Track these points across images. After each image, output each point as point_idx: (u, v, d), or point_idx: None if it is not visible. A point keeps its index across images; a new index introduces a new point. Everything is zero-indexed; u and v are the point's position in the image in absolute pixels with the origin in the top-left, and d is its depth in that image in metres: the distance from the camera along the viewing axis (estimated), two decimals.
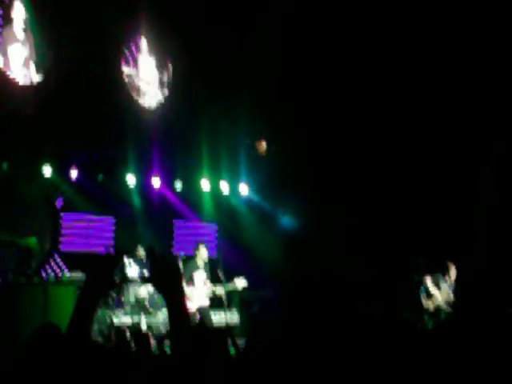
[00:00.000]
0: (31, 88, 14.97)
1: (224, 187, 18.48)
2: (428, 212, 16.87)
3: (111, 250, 17.35)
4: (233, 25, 16.59)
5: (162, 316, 14.61)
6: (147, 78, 17.17)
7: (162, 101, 17.36)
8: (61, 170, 16.00)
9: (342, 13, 16.34)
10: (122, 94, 16.56)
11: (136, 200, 17.60)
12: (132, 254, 15.16)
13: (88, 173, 16.44)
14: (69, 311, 10.72)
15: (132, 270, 14.85)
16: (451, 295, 14.19)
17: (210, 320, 13.58)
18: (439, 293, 14.12)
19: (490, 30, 15.49)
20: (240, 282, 13.73)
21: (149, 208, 17.85)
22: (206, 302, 13.48)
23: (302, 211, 18.46)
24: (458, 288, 14.32)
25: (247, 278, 13.87)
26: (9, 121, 14.43)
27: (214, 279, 13.72)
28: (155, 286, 3.08)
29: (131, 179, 16.74)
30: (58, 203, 17.02)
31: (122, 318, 14.42)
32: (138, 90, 16.98)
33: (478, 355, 3.92)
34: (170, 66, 17.43)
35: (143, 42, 17.04)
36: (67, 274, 14.78)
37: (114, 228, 17.76)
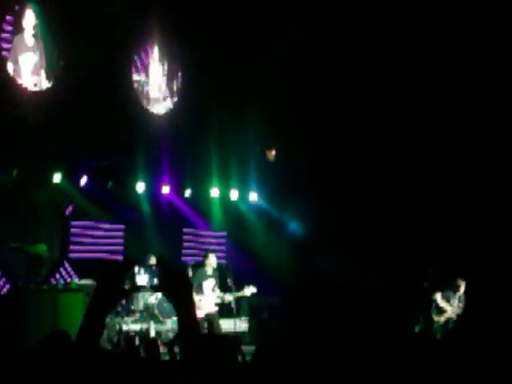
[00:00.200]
0: (41, 95, 15.02)
1: (233, 195, 18.47)
2: (437, 220, 16.82)
3: (121, 258, 17.38)
4: (243, 33, 16.62)
5: (170, 323, 14.62)
6: (157, 86, 17.20)
7: (172, 108, 17.38)
8: (70, 177, 16.01)
9: (352, 22, 16.36)
10: (131, 101, 16.60)
11: (145, 207, 17.59)
12: (143, 263, 15.17)
13: (98, 180, 16.44)
14: (78, 318, 10.79)
15: (142, 278, 14.86)
16: (461, 309, 14.19)
17: (219, 327, 13.57)
18: (450, 307, 14.11)
19: (490, 30, 15.47)
20: (249, 290, 13.72)
21: (158, 215, 17.84)
22: (215, 310, 13.47)
23: (311, 218, 18.44)
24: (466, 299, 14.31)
25: (256, 285, 13.86)
26: (19, 128, 14.48)
27: (223, 287, 13.72)
28: (165, 294, 3.07)
29: (141, 187, 16.74)
30: (68, 210, 17.04)
31: (131, 325, 14.44)
32: (147, 97, 17.01)
33: (485, 361, 3.91)
34: (179, 73, 17.46)
35: (153, 50, 17.08)
36: (76, 281, 14.80)
37: (123, 235, 17.75)
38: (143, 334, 14.17)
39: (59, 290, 13.66)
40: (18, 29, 14.86)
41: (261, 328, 15.77)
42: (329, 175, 17.69)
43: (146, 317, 14.65)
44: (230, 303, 14.04)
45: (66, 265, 16.82)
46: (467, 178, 16.63)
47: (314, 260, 18.11)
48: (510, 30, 15.24)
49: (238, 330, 14.92)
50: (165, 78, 17.34)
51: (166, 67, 17.33)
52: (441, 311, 14.16)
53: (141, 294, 14.91)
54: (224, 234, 19.64)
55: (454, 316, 14.10)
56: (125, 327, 14.29)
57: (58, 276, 16.33)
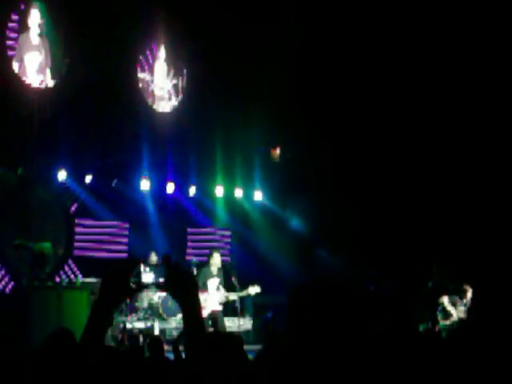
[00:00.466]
0: (46, 93, 15.03)
1: (238, 193, 18.47)
2: (441, 219, 16.81)
3: (126, 256, 17.39)
4: (249, 32, 16.60)
5: (175, 321, 14.63)
6: (162, 84, 17.21)
7: (177, 107, 17.39)
8: (75, 175, 16.03)
9: (358, 20, 16.35)
10: (137, 100, 16.60)
11: (150, 206, 17.61)
12: (146, 261, 15.20)
13: (102, 178, 16.47)
14: (82, 316, 10.81)
15: (147, 276, 14.88)
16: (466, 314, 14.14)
17: (223, 325, 13.57)
18: (456, 311, 14.07)
19: (490, 30, 15.45)
20: (253, 289, 13.71)
21: (163, 214, 17.85)
22: (219, 308, 13.46)
23: (315, 217, 18.43)
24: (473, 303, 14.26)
25: (261, 284, 13.85)
26: (24, 126, 14.50)
27: (227, 286, 13.71)
28: (171, 293, 3.07)
29: (145, 185, 16.75)
30: (73, 208, 17.06)
31: (135, 324, 14.45)
32: (153, 95, 17.02)
33: (490, 361, 3.89)
34: (185, 72, 17.46)
35: (159, 49, 17.08)
36: (81, 278, 14.81)
37: (128, 233, 17.77)
38: (147, 332, 14.17)
39: (63, 287, 13.66)
40: (23, 27, 14.88)
41: (265, 327, 15.80)
42: (333, 174, 17.67)
43: (150, 315, 14.67)
44: (234, 302, 14.04)
45: (71, 262, 16.84)
46: (470, 174, 16.60)
47: (317, 259, 18.12)
48: (510, 30, 15.21)
49: (242, 329, 14.91)
50: (170, 77, 17.35)
51: (171, 66, 17.33)
52: (447, 315, 14.11)
53: (145, 293, 14.92)
54: (228, 232, 19.64)
55: (458, 320, 14.04)
56: (129, 325, 14.30)
57: (62, 274, 16.33)
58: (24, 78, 14.83)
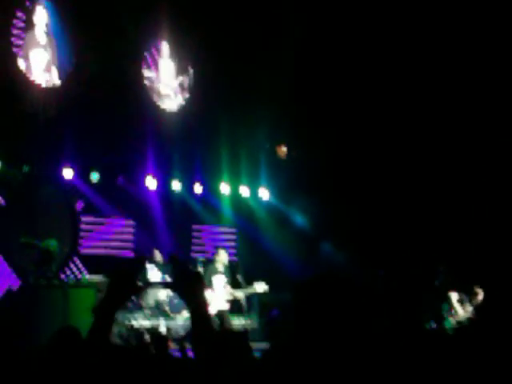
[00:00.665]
0: (52, 91, 15.04)
1: (244, 191, 18.47)
2: (448, 218, 16.78)
3: (131, 253, 17.41)
4: (254, 29, 16.59)
5: (181, 319, 14.62)
6: (168, 82, 17.22)
7: (183, 105, 17.39)
8: (81, 173, 16.05)
9: (362, 18, 16.32)
10: (142, 97, 16.62)
11: (156, 203, 17.62)
12: (151, 259, 15.21)
13: (108, 176, 16.48)
14: (88, 314, 10.78)
15: (153, 274, 14.89)
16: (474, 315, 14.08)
17: (230, 323, 13.57)
18: (463, 311, 14.01)
19: (490, 30, 15.42)
20: (260, 287, 13.70)
21: (168, 211, 17.86)
22: (226, 306, 13.46)
23: (321, 215, 18.42)
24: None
25: (267, 281, 13.85)
26: (30, 124, 14.51)
27: (233, 283, 13.71)
28: (178, 292, 3.06)
29: (151, 183, 16.76)
30: (78, 206, 17.07)
31: (142, 322, 14.45)
32: (158, 93, 17.03)
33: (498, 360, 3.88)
34: (190, 69, 17.46)
35: (164, 46, 17.09)
36: (87, 276, 14.82)
37: (133, 231, 17.78)
38: (153, 331, 14.17)
39: (70, 285, 13.67)
40: (29, 25, 14.89)
41: (271, 325, 15.80)
42: (339, 172, 17.66)
43: (157, 313, 14.67)
44: (240, 300, 14.04)
45: (77, 260, 16.85)
46: (476, 170, 16.58)
47: (324, 257, 18.11)
48: (510, 30, 15.18)
49: (248, 326, 14.91)
50: (175, 75, 17.35)
51: (176, 63, 17.33)
52: (452, 312, 14.06)
53: (151, 291, 14.93)
54: (234, 230, 19.63)
55: (464, 320, 13.97)
56: (135, 323, 14.30)
57: (68, 272, 16.36)
58: (30, 76, 14.84)
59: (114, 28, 15.28)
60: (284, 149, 18.86)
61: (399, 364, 3.55)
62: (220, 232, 19.50)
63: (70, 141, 15.10)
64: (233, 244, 19.30)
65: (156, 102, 16.95)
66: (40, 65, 14.98)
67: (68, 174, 15.65)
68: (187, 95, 17.44)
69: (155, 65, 17.00)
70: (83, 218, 17.15)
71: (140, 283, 2.96)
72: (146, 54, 16.82)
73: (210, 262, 14.06)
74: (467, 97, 16.30)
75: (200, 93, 17.39)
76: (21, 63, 14.73)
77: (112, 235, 17.54)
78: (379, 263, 17.10)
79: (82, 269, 16.68)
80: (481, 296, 14.21)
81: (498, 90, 15.96)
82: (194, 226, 19.05)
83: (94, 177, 16.17)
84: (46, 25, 15.00)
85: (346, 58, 16.85)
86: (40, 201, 16.29)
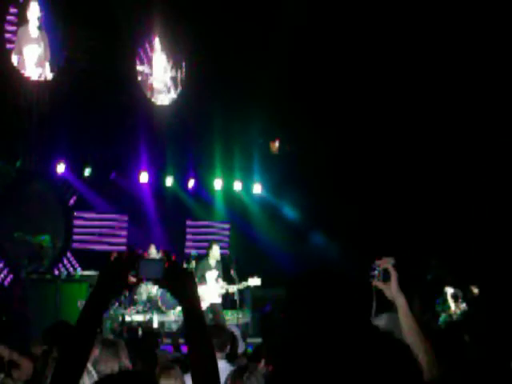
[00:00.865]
0: (45, 86, 15.02)
1: (237, 186, 18.49)
2: (439, 211, 16.82)
3: (125, 249, 17.40)
4: (247, 24, 16.58)
5: (174, 314, 14.63)
6: (161, 77, 17.20)
7: (176, 100, 17.38)
8: (74, 168, 16.04)
9: (357, 13, 16.33)
10: (135, 92, 16.60)
11: (149, 198, 17.62)
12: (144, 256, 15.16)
13: (101, 171, 16.47)
14: (81, 309, 10.75)
15: None
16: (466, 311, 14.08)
17: (223, 318, 13.58)
18: (455, 307, 14.02)
19: (490, 30, 15.45)
20: (253, 281, 13.72)
21: (161, 206, 17.86)
22: (218, 301, 13.47)
23: (314, 210, 18.44)
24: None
25: (260, 276, 13.86)
26: (23, 118, 14.49)
27: (226, 278, 13.72)
28: (169, 289, 3.07)
29: (144, 177, 16.76)
30: (71, 201, 17.06)
31: (134, 316, 14.45)
32: (151, 88, 17.01)
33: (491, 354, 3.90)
34: (183, 64, 17.45)
35: (157, 41, 17.07)
36: (80, 271, 14.82)
37: (126, 226, 17.77)
38: (146, 325, 14.18)
39: (62, 280, 13.69)
40: (22, 20, 14.86)
41: (264, 320, 15.81)
42: (332, 167, 17.67)
43: (149, 308, 14.67)
44: (233, 295, 14.05)
45: (69, 255, 16.84)
46: (468, 169, 16.61)
47: (317, 252, 18.12)
48: (510, 31, 15.20)
49: (241, 322, 14.92)
50: (169, 69, 17.34)
51: (169, 58, 17.32)
52: (445, 307, 14.07)
53: (144, 285, 14.93)
54: (227, 225, 19.65)
55: (454, 316, 13.97)
56: (128, 318, 14.30)
57: (60, 266, 16.35)
58: (23, 71, 14.82)
59: (106, 22, 15.25)
60: (277, 144, 18.87)
61: (394, 360, 3.55)
62: (213, 227, 19.51)
63: (63, 136, 15.08)
64: (226, 239, 19.31)
65: (149, 96, 16.94)
66: (33, 60, 14.95)
67: (61, 168, 15.63)
68: (180, 90, 17.43)
69: (148, 60, 16.99)
70: (76, 213, 17.13)
71: (131, 278, 2.96)
72: (139, 48, 16.79)
73: (202, 256, 14.07)
74: (465, 95, 16.32)
75: (193, 88, 17.39)
76: (14, 58, 14.70)
77: (105, 230, 17.53)
78: (373, 257, 17.10)
79: (75, 264, 16.68)
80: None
81: (497, 90, 15.98)
82: (188, 221, 19.06)
83: (87, 172, 16.15)
84: (39, 20, 14.97)
85: (339, 53, 16.85)
86: (33, 196, 16.28)
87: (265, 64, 16.51)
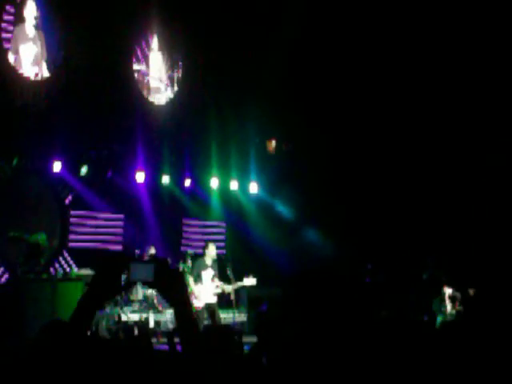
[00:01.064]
0: (42, 84, 15.00)
1: (233, 185, 18.49)
2: (435, 212, 16.84)
3: (121, 247, 17.41)
4: (244, 23, 16.58)
5: (170, 313, 14.63)
6: (157, 76, 17.19)
7: (172, 98, 17.37)
8: (70, 167, 16.02)
9: (353, 13, 16.33)
10: (132, 91, 16.59)
11: (145, 197, 17.61)
12: (141, 254, 15.19)
13: (97, 169, 16.46)
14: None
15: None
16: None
17: (219, 317, 13.58)
18: (452, 308, 14.04)
19: (490, 30, 15.46)
20: (249, 281, 13.73)
21: (158, 205, 17.86)
22: (214, 300, 13.47)
23: (311, 209, 18.45)
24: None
25: (256, 275, 13.87)
26: (19, 117, 14.47)
27: (222, 277, 13.72)
28: (159, 291, 3.09)
29: (140, 176, 16.75)
30: (67, 199, 17.05)
31: (130, 315, 14.45)
32: (148, 87, 17.00)
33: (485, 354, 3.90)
34: (180, 63, 17.45)
35: (154, 40, 17.06)
36: (76, 270, 14.81)
37: (123, 225, 17.77)
38: (142, 324, 14.18)
39: (58, 279, 13.67)
40: (18, 19, 14.83)
41: (259, 319, 15.81)
42: (329, 166, 17.68)
43: (145, 307, 14.66)
44: (229, 294, 14.05)
45: (66, 254, 16.83)
46: (461, 167, 16.63)
47: (313, 252, 18.13)
48: (510, 31, 15.22)
49: (236, 321, 14.93)
50: (165, 68, 17.33)
51: (166, 57, 17.31)
52: (442, 308, 14.09)
53: (140, 285, 14.93)
54: (223, 224, 19.66)
55: (450, 317, 14.00)
56: (124, 317, 14.29)
57: (57, 265, 16.35)
58: (19, 70, 14.79)
59: (103, 21, 15.24)
60: (274, 143, 18.87)
61: (389, 357, 3.57)
62: (209, 226, 19.52)
63: (59, 134, 15.07)
64: (222, 238, 19.32)
65: (146, 95, 16.93)
66: (29, 58, 14.93)
67: (57, 167, 15.61)
68: (177, 89, 17.42)
69: (145, 58, 16.98)
70: (72, 212, 17.12)
71: (124, 281, 2.97)
72: (135, 47, 16.78)
73: (199, 255, 14.06)
74: (462, 94, 16.33)
75: (190, 87, 17.39)
76: (10, 57, 14.68)
77: (101, 229, 17.52)
78: (367, 256, 17.14)
79: (71, 262, 16.67)
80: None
81: (496, 90, 15.99)
82: (184, 220, 19.06)
83: (84, 171, 16.14)
84: (36, 18, 14.94)
85: (335, 55, 16.86)
86: (29, 194, 16.27)
87: (262, 64, 16.52)
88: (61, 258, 16.71)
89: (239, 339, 4.54)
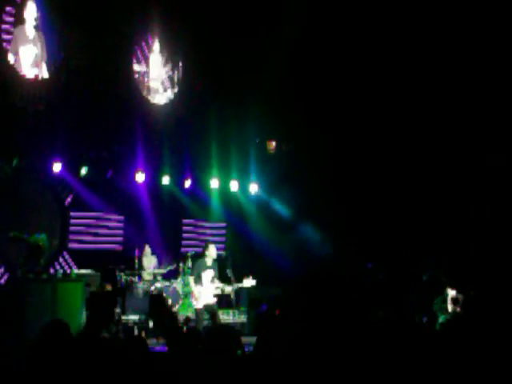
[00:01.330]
0: (42, 85, 15.01)
1: (233, 186, 18.48)
2: (435, 212, 16.83)
3: (121, 248, 17.43)
4: (244, 23, 16.58)
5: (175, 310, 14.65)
6: (157, 76, 17.20)
7: (172, 99, 17.38)
8: (70, 167, 16.02)
9: (354, 15, 16.33)
10: (132, 92, 16.60)
11: (145, 198, 17.61)
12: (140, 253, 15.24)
13: (97, 170, 16.45)
14: (77, 308, 10.80)
15: (148, 260, 15.15)
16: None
17: (218, 317, 13.59)
18: (452, 309, 14.04)
19: (490, 30, 15.46)
20: (248, 282, 13.73)
21: (158, 206, 17.87)
22: (214, 301, 13.47)
23: (311, 210, 18.46)
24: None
25: (256, 276, 13.87)
26: (19, 118, 14.48)
27: (222, 278, 13.73)
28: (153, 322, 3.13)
29: (140, 177, 16.75)
30: (67, 200, 17.06)
31: (130, 316, 14.46)
32: (148, 87, 17.01)
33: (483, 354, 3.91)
34: (180, 64, 17.45)
35: (154, 41, 17.07)
36: (76, 270, 14.82)
37: (123, 226, 17.77)
38: (142, 324, 14.18)
39: (58, 279, 13.66)
40: (18, 20, 14.83)
41: (259, 320, 15.83)
42: (329, 166, 17.68)
43: (145, 307, 14.67)
44: (229, 295, 14.05)
45: (66, 255, 16.84)
46: (461, 167, 16.63)
47: (313, 252, 18.13)
48: (510, 31, 15.22)
49: (237, 321, 14.93)
50: (165, 69, 17.33)
51: (166, 58, 17.32)
52: (443, 306, 14.08)
53: (140, 285, 14.95)
54: (223, 224, 19.66)
55: (449, 317, 13.99)
56: (123, 317, 14.30)
57: (57, 266, 16.35)
58: (19, 71, 14.80)
59: (103, 22, 15.24)
60: (274, 144, 18.87)
61: (386, 357, 3.57)
62: (209, 226, 19.52)
63: (59, 135, 15.08)
64: (222, 239, 19.32)
65: (146, 96, 16.94)
66: (29, 60, 14.93)
67: (57, 168, 15.61)
68: (177, 90, 17.42)
69: (145, 59, 16.98)
70: (72, 213, 17.12)
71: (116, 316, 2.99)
72: (136, 48, 16.78)
73: (199, 256, 14.07)
74: (460, 94, 16.33)
75: (190, 87, 17.39)
76: (10, 58, 14.69)
77: (101, 230, 17.53)
78: (367, 256, 17.15)
79: (71, 263, 16.68)
80: None
81: (495, 90, 15.99)
82: (184, 221, 19.07)
83: (84, 171, 16.14)
84: (36, 19, 14.95)
85: (335, 54, 16.86)
86: (29, 195, 16.28)
87: (262, 64, 16.52)
88: (61, 259, 16.71)
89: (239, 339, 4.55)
